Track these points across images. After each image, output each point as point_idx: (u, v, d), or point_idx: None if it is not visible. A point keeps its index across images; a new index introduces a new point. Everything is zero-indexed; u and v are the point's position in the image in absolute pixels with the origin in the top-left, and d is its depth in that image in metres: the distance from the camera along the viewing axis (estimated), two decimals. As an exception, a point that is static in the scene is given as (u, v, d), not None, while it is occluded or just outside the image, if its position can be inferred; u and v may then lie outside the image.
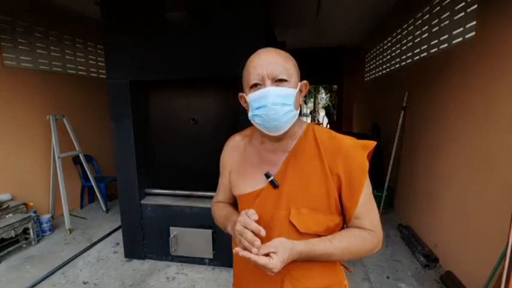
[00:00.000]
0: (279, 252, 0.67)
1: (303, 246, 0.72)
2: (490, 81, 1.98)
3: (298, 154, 0.81)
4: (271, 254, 0.67)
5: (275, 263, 0.66)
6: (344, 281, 0.88)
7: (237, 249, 0.69)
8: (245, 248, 0.69)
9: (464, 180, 2.25)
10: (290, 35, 5.30)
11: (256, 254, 0.67)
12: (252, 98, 0.76)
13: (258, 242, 0.68)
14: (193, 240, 2.56)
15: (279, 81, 0.74)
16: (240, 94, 0.83)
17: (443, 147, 2.58)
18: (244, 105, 0.83)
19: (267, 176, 0.79)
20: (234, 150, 0.91)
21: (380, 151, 4.25)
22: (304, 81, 0.81)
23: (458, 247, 2.29)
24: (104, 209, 3.87)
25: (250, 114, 0.78)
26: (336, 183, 0.77)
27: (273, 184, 0.79)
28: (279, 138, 0.82)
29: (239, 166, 0.88)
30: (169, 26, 2.34)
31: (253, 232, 0.69)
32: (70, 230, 3.28)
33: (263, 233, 0.69)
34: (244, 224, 0.70)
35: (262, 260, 0.66)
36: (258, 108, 0.75)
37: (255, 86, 0.75)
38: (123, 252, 2.77)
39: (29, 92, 3.34)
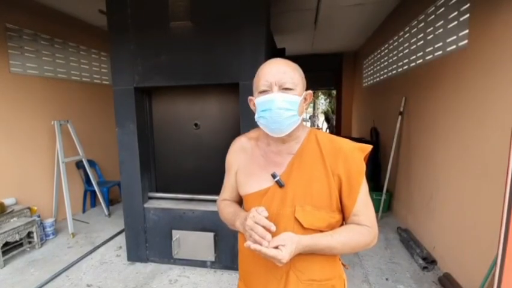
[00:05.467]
0: (287, 245, 0.74)
1: (308, 240, 0.79)
2: (482, 87, 2.05)
3: (303, 156, 0.87)
4: (280, 247, 0.74)
5: (284, 254, 0.72)
6: (342, 275, 0.94)
7: (248, 243, 0.75)
8: (255, 242, 0.75)
9: (460, 183, 2.31)
10: (290, 41, 5.41)
11: (266, 246, 0.73)
12: (259, 102, 0.84)
13: (269, 235, 0.74)
14: (195, 243, 2.60)
15: (285, 89, 0.82)
16: (250, 98, 0.91)
17: (439, 151, 2.64)
18: (252, 108, 0.91)
19: (274, 176, 0.86)
20: (241, 151, 0.97)
21: (378, 155, 4.31)
22: (309, 91, 0.88)
23: (456, 249, 2.34)
24: (106, 213, 3.91)
25: (256, 115, 0.86)
26: (337, 183, 0.84)
27: (279, 183, 0.85)
28: (284, 141, 0.89)
29: (246, 166, 0.94)
30: (173, 35, 2.42)
31: (264, 227, 0.75)
32: (73, 234, 3.31)
33: (273, 228, 0.75)
34: (255, 219, 0.77)
35: (272, 252, 0.72)
36: (263, 110, 0.83)
37: (264, 91, 0.83)
38: (126, 256, 2.80)
39: (35, 98, 3.41)
